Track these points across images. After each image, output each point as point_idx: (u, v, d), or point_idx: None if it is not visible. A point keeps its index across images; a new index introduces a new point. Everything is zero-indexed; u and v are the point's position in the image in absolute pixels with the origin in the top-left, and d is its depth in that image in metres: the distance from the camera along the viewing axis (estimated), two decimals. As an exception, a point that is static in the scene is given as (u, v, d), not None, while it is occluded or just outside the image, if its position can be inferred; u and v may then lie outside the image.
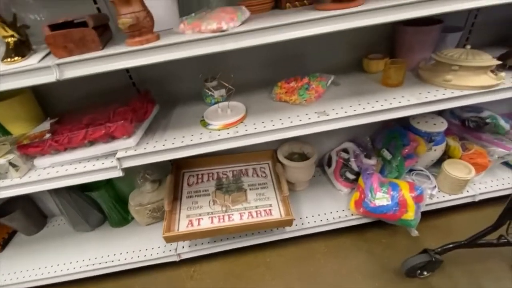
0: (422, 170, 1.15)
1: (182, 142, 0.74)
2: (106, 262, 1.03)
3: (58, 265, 1.05)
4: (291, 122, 0.76)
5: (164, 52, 0.57)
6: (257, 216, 1.01)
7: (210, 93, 0.89)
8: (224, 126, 0.78)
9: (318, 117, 0.76)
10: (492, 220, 0.78)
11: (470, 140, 1.11)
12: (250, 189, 1.12)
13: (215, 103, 0.91)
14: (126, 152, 0.75)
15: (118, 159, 0.74)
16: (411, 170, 1.15)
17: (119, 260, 1.03)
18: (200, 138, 0.75)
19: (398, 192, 1.00)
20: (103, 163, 0.75)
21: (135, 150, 0.75)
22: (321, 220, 1.07)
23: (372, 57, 0.95)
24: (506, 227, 0.80)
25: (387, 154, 1.12)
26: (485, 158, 1.04)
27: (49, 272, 1.03)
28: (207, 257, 1.09)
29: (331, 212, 1.10)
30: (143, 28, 0.57)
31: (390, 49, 0.99)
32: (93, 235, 1.17)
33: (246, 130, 0.75)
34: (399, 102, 0.76)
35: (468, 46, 0.79)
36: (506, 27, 1.04)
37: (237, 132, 0.75)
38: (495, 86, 0.75)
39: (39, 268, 1.05)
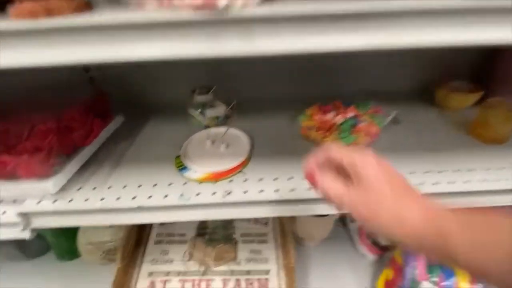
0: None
1: (133, 199, 0.43)
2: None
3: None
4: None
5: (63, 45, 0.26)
6: (247, 288, 0.71)
7: (197, 112, 0.57)
8: (210, 177, 0.47)
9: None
10: None
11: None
12: (243, 242, 0.81)
13: (206, 127, 0.59)
14: (38, 203, 0.44)
15: (24, 214, 0.43)
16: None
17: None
18: (165, 197, 0.43)
19: (453, 283, 0.69)
20: (4, 212, 0.45)
21: (54, 202, 0.44)
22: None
23: (453, 87, 0.62)
24: None
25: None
26: None
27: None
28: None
29: (349, 289, 0.79)
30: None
31: (476, 77, 0.66)
32: (30, 269, 0.88)
33: (245, 191, 0.44)
34: (515, 179, 0.44)
35: None
36: None
37: (229, 193, 0.44)
38: None
39: None
